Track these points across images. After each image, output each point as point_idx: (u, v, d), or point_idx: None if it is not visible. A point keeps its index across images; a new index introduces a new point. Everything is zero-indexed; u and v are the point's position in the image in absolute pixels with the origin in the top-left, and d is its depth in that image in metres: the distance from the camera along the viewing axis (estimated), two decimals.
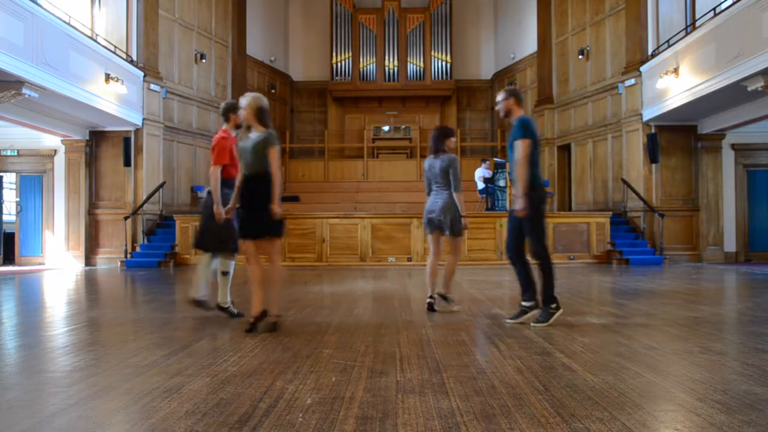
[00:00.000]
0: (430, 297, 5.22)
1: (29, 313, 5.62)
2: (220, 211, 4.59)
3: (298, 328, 4.40)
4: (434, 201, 5.15)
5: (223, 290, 4.96)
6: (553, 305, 4.42)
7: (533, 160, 4.34)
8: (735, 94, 9.78)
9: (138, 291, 7.81)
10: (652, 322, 4.56)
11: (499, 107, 4.59)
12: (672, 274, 9.35)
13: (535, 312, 4.50)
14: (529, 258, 4.53)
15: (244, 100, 4.26)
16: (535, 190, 4.31)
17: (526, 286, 4.53)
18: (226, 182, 4.72)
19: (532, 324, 4.39)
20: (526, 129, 4.33)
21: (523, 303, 4.56)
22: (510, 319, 4.60)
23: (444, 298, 5.31)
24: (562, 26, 15.48)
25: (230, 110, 4.83)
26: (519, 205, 4.29)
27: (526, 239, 4.44)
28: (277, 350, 3.57)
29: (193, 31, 14.52)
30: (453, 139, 5.21)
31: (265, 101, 4.28)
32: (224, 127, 4.86)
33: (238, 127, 4.80)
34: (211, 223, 4.73)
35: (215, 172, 4.70)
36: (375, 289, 7.25)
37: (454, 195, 5.07)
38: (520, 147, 4.30)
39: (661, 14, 12.38)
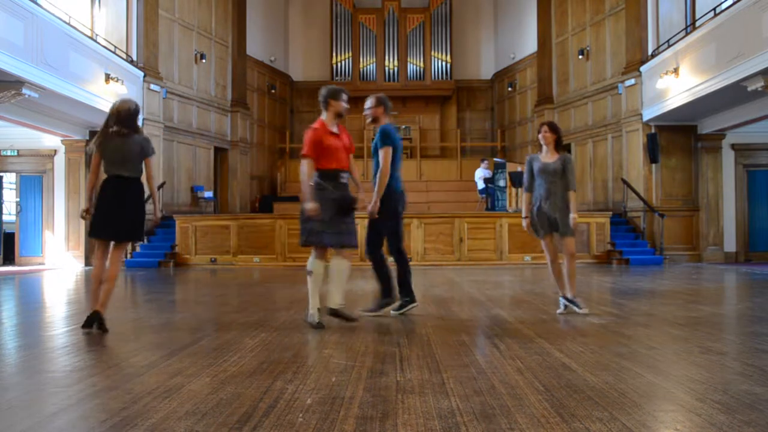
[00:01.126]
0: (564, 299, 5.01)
1: (29, 313, 5.62)
2: (309, 207, 4.24)
3: (298, 328, 4.39)
4: (551, 201, 4.86)
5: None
6: (407, 299, 4.91)
7: (393, 167, 4.67)
8: (735, 94, 9.78)
9: (138, 291, 7.81)
10: (652, 322, 4.56)
11: (367, 113, 4.75)
12: (672, 274, 9.35)
13: (392, 305, 4.91)
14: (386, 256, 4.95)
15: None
16: (390, 195, 4.65)
17: (384, 283, 4.90)
18: (324, 174, 4.37)
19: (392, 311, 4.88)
20: (387, 137, 4.57)
21: (383, 299, 4.90)
22: (364, 311, 4.91)
23: (571, 302, 4.96)
24: (562, 26, 15.48)
25: (330, 96, 4.39)
26: (374, 207, 4.60)
27: (386, 239, 4.87)
28: (277, 350, 3.57)
29: (193, 31, 14.51)
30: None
31: (125, 104, 4.32)
32: (322, 116, 4.45)
33: (339, 116, 4.43)
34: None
35: (301, 166, 4.37)
36: (375, 289, 7.22)
37: (569, 194, 4.91)
38: (383, 155, 4.59)
39: (661, 14, 12.38)
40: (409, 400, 2.51)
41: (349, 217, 4.46)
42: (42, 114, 10.77)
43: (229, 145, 15.77)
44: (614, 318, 4.77)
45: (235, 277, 9.54)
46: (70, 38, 9.90)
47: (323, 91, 4.46)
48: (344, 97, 4.44)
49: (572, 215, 4.83)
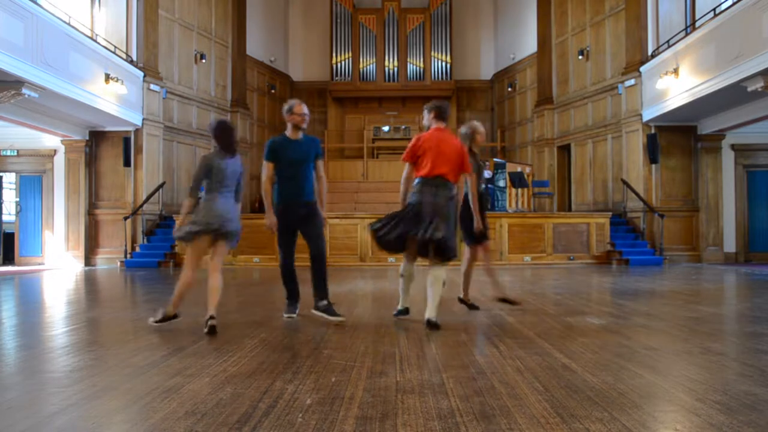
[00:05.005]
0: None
1: (29, 313, 5.62)
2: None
3: (298, 328, 4.39)
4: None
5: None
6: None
7: None
8: (735, 94, 9.78)
9: (138, 291, 7.80)
10: (651, 323, 4.56)
11: None
12: (672, 275, 9.35)
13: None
14: None
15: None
16: None
17: None
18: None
19: None
20: None
21: None
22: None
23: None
24: (562, 27, 15.48)
25: None
26: None
27: None
28: (277, 350, 3.57)
29: (193, 31, 14.51)
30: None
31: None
32: None
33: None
34: None
35: None
36: (375, 290, 7.24)
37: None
38: None
39: (661, 14, 12.38)
40: (408, 401, 2.51)
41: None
42: (42, 114, 10.77)
43: None
44: (614, 318, 4.77)
45: (235, 277, 9.54)
46: (70, 38, 9.90)
47: None
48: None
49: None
